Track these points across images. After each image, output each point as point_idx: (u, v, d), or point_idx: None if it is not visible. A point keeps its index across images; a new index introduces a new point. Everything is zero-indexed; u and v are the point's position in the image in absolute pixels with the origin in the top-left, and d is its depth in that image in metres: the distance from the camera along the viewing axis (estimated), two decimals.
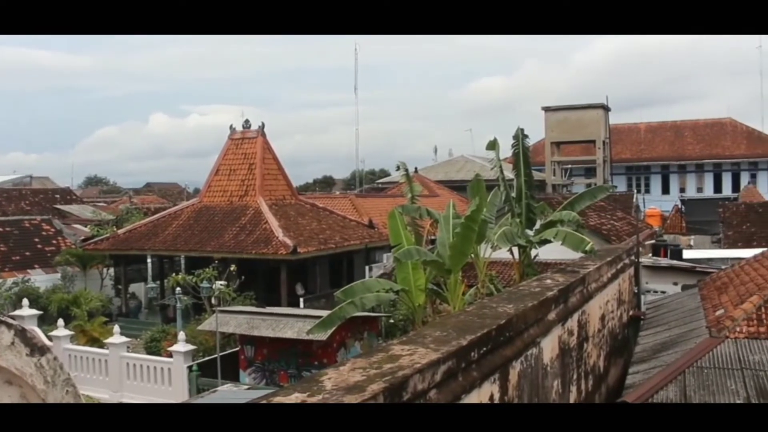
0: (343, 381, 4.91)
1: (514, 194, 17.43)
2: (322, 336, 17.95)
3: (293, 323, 20.08)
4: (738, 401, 11.07)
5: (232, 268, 30.43)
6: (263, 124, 38.74)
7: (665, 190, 76.73)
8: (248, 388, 19.17)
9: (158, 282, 39.16)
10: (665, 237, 36.14)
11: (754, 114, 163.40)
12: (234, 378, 21.61)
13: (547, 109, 64.03)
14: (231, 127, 39.33)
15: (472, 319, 7.39)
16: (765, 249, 21.13)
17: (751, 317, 13.93)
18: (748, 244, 32.54)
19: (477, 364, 6.58)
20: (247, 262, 32.74)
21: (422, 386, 5.38)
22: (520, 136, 17.32)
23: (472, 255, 16.43)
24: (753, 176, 74.11)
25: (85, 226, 46.09)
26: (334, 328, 17.17)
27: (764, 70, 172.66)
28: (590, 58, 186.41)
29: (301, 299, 31.52)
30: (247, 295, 30.33)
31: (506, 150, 21.22)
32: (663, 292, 21.91)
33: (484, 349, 6.75)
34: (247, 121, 39.20)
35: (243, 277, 30.97)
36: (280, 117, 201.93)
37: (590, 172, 66.77)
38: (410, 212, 17.82)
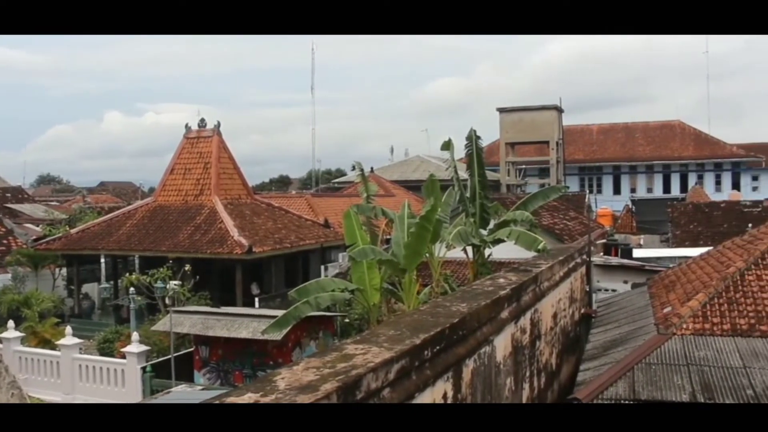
0: (297, 380, 4.88)
1: (468, 194, 17.52)
2: (277, 336, 17.85)
3: (248, 323, 19.94)
4: (684, 396, 11.28)
5: (187, 267, 30.10)
6: (219, 123, 38.45)
7: (616, 190, 78.00)
8: (203, 389, 18.98)
9: (112, 282, 38.60)
10: (616, 236, 36.71)
11: (701, 117, 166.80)
12: (189, 379, 21.39)
13: (501, 110, 64.59)
14: (186, 126, 38.94)
15: (425, 318, 7.41)
16: (710, 248, 21.59)
17: (697, 314, 14.23)
18: (694, 243, 33.22)
19: (430, 362, 6.59)
20: (202, 262, 32.43)
21: (376, 385, 5.37)
22: (473, 137, 17.41)
23: (427, 254, 16.47)
24: (700, 177, 75.74)
25: (37, 226, 45.27)
26: (289, 328, 17.09)
27: (711, 75, 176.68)
28: (545, 60, 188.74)
29: (257, 299, 31.33)
30: (201, 295, 30.05)
31: (461, 150, 21.36)
32: (614, 291, 22.24)
33: (438, 347, 6.76)
34: (202, 120, 38.84)
35: (198, 277, 30.66)
36: (237, 116, 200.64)
37: (544, 172, 67.54)
38: (365, 212, 17.81)
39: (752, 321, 14.03)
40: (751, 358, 12.70)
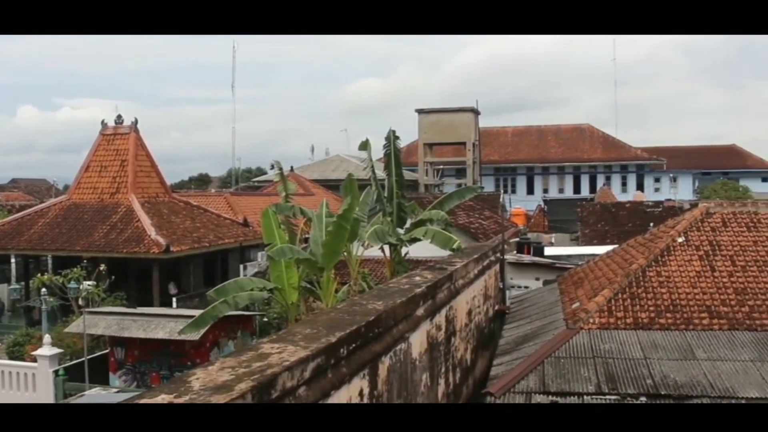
0: (212, 381, 4.83)
1: (386, 194, 17.62)
2: (195, 336, 17.57)
3: (165, 323, 19.55)
4: (590, 387, 11.63)
5: (102, 267, 29.27)
6: (136, 120, 37.47)
7: (530, 190, 79.68)
8: (118, 392, 18.53)
9: (23, 283, 37.12)
10: (529, 235, 37.49)
11: (609, 121, 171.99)
12: (104, 381, 20.81)
13: (420, 112, 65.07)
14: (102, 122, 37.82)
15: (342, 316, 7.42)
16: (616, 246, 22.28)
17: (603, 309, 14.70)
18: (602, 241, 34.21)
19: (346, 360, 6.61)
20: (118, 262, 31.63)
21: (291, 383, 5.36)
22: (391, 138, 17.53)
23: (345, 253, 16.49)
24: (608, 178, 78.11)
25: None
26: (206, 328, 16.85)
27: (618, 81, 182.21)
28: (464, 63, 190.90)
29: (174, 299, 30.73)
30: (117, 296, 29.26)
31: (381, 150, 21.45)
32: (526, 287, 22.70)
33: (354, 345, 6.78)
34: (119, 117, 37.74)
35: (113, 277, 29.86)
36: (157, 113, 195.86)
37: (461, 172, 68.37)
38: (284, 211, 17.70)
39: (652, 315, 14.59)
40: (651, 349, 13.20)
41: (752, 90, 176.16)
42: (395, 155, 17.48)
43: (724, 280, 15.55)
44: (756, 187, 74.59)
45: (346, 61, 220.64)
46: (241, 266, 34.75)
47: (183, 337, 17.62)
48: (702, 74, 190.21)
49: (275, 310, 24.23)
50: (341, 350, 6.44)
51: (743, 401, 11.27)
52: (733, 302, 14.91)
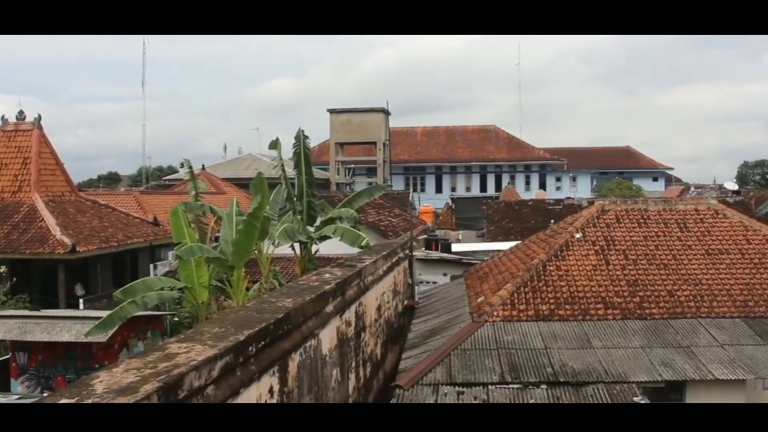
0: (116, 383, 4.70)
1: (296, 192, 17.53)
2: (102, 337, 16.98)
3: (71, 325, 18.79)
4: (494, 378, 11.90)
5: (3, 269, 28.01)
6: (39, 116, 35.81)
7: (438, 189, 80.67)
8: (19, 398, 17.74)
9: None
10: (437, 232, 37.92)
11: (514, 122, 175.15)
12: (5, 388, 19.87)
13: (331, 111, 64.91)
14: (2, 118, 36.06)
15: (251, 314, 7.36)
16: (519, 242, 22.82)
17: (506, 302, 15.06)
18: (506, 238, 34.92)
19: (255, 357, 6.56)
20: (21, 263, 30.27)
21: (199, 383, 5.28)
22: (301, 137, 17.44)
23: (256, 251, 16.33)
24: (512, 178, 79.91)
25: None
26: (114, 329, 16.34)
27: (522, 85, 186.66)
28: (376, 64, 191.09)
29: (81, 300, 29.65)
30: (20, 298, 27.96)
31: (292, 149, 21.27)
32: (434, 283, 22.99)
33: (263, 342, 6.74)
34: (21, 112, 36.04)
35: (15, 279, 28.59)
36: (64, 110, 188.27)
37: (371, 171, 68.57)
38: (194, 209, 17.37)
39: (552, 307, 15.04)
40: (551, 339, 13.61)
41: (644, 96, 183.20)
42: (305, 154, 17.40)
43: (618, 273, 16.17)
44: (648, 186, 77.70)
45: (259, 60, 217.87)
46: (151, 266, 33.84)
47: (90, 339, 17.02)
48: (599, 80, 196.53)
49: (186, 309, 23.70)
50: (250, 348, 6.39)
51: (634, 385, 11.76)
52: (625, 293, 15.52)
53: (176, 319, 23.42)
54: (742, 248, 16.87)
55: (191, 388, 5.13)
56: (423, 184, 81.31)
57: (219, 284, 16.44)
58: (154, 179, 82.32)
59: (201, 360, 5.35)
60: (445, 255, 26.23)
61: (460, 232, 42.87)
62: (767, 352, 13.12)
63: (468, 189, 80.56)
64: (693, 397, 13.04)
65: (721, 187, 70.96)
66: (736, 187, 71.75)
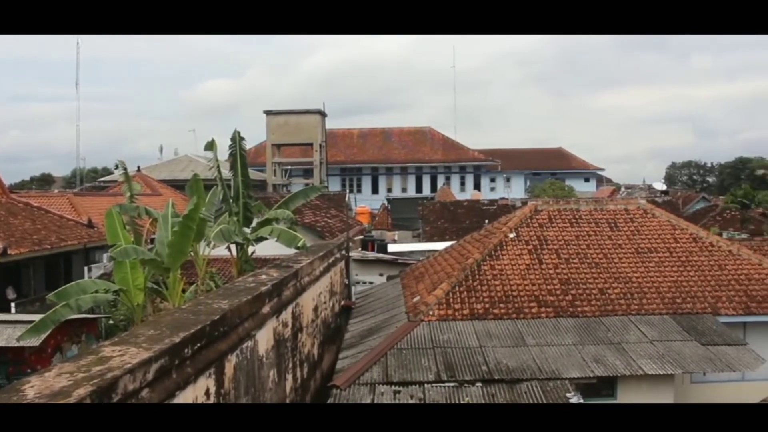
0: (48, 388, 4.59)
1: (232, 193, 17.34)
2: (35, 341, 16.50)
3: (2, 330, 18.20)
4: (430, 376, 11.99)
5: None
6: None
7: (375, 190, 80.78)
8: None
9: None
10: (373, 233, 37.99)
11: (449, 124, 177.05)
12: None
13: (268, 113, 64.39)
14: None
15: (186, 316, 7.26)
16: (454, 242, 23.06)
17: (442, 302, 15.20)
18: (442, 238, 35.18)
19: (191, 360, 6.47)
20: None
21: (134, 386, 5.19)
22: (237, 139, 17.27)
23: (192, 253, 16.08)
24: (447, 179, 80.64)
25: None
26: (47, 333, 15.89)
27: (457, 87, 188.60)
28: (313, 66, 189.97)
29: (13, 304, 28.75)
30: None
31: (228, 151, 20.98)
32: (371, 283, 23.03)
33: (199, 344, 6.65)
34: None
35: None
36: None
37: (308, 173, 68.27)
38: (128, 211, 17.03)
39: (487, 305, 15.24)
40: (486, 338, 13.79)
41: (575, 99, 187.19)
42: (241, 156, 17.22)
43: (551, 271, 16.48)
44: (579, 186, 79.33)
45: (195, 61, 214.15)
46: (86, 268, 33.03)
47: (22, 343, 16.49)
48: (533, 83, 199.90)
49: (121, 312, 23.21)
50: (185, 350, 6.30)
51: (567, 381, 11.99)
52: (558, 292, 15.84)
53: (111, 322, 22.90)
54: (670, 247, 17.39)
55: (125, 391, 5.03)
56: (359, 185, 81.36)
57: (155, 286, 16.14)
58: (89, 181, 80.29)
59: (135, 363, 5.26)
60: (381, 255, 26.29)
61: (396, 232, 43.00)
62: (694, 348, 13.55)
63: (404, 190, 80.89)
64: (624, 392, 13.38)
65: (650, 187, 73.11)
66: (664, 187, 74.02)
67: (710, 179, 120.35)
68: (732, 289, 16.20)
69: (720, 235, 26.36)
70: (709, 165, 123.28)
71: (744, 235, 34.37)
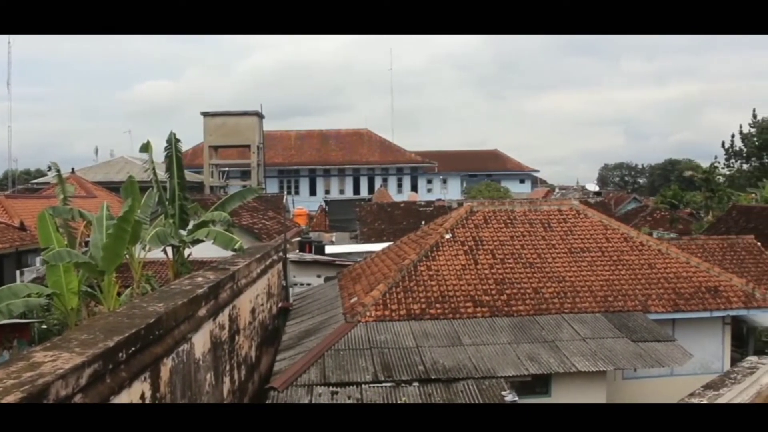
0: None
1: (168, 195, 17.08)
2: None
3: None
4: (367, 377, 12.02)
5: None
6: None
7: (312, 191, 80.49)
8: None
9: None
10: (311, 234, 37.74)
11: (386, 126, 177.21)
12: None
13: (205, 114, 63.50)
14: None
15: (121, 319, 7.13)
16: (391, 243, 23.15)
17: (378, 303, 15.25)
18: (379, 239, 35.25)
19: (126, 364, 6.37)
20: None
21: (66, 392, 5.08)
22: (173, 140, 17.02)
23: (127, 256, 15.78)
24: (385, 180, 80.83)
25: None
26: None
27: (395, 89, 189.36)
28: (252, 67, 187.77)
29: None
30: None
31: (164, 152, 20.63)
32: (308, 284, 22.95)
33: (133, 348, 6.55)
34: None
35: None
36: None
37: (246, 174, 67.54)
38: (62, 214, 16.61)
39: (423, 306, 15.35)
40: (422, 338, 13.89)
41: (511, 101, 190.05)
42: (177, 157, 16.98)
43: (486, 272, 16.70)
44: (515, 187, 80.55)
45: (134, 61, 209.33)
46: (18, 272, 32.08)
47: None
48: (470, 85, 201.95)
49: (55, 316, 22.59)
50: (120, 354, 6.20)
51: (502, 380, 12.17)
52: (493, 291, 16.06)
53: (44, 326, 22.26)
54: (602, 246, 17.80)
55: (57, 397, 4.93)
56: (297, 187, 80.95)
57: (89, 290, 15.78)
58: (21, 183, 77.78)
59: (68, 368, 5.16)
60: (318, 257, 26.24)
61: (334, 234, 42.90)
62: (625, 345, 13.91)
63: (341, 191, 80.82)
64: (558, 390, 13.65)
65: (583, 188, 74.73)
66: (597, 188, 75.79)
67: (641, 180, 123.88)
68: (661, 287, 16.69)
69: (650, 234, 27.13)
70: (640, 167, 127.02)
71: (673, 235, 35.49)
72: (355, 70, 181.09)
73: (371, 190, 77.18)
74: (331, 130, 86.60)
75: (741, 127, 67.75)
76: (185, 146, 18.09)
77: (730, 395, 9.17)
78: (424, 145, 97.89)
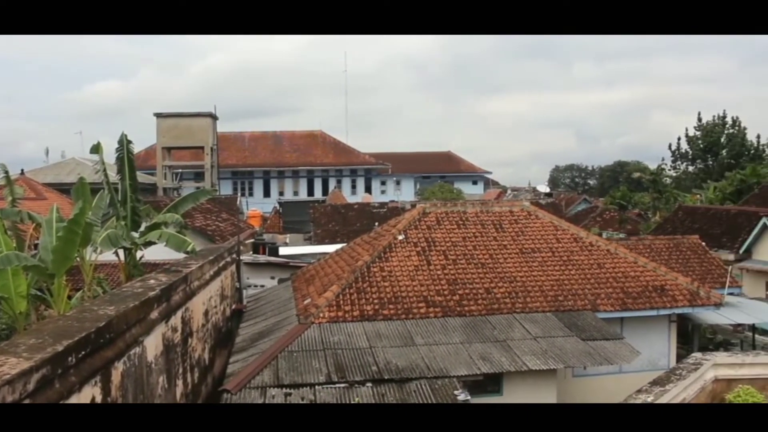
0: None
1: (119, 197, 16.80)
2: None
3: None
4: (321, 378, 12.00)
5: None
6: None
7: (266, 193, 79.97)
8: None
9: None
10: (265, 236, 37.48)
11: (341, 128, 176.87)
12: None
13: (158, 115, 62.61)
14: None
15: (71, 323, 7.01)
16: (345, 244, 23.15)
17: (332, 304, 15.24)
18: (333, 240, 35.23)
19: (76, 368, 6.26)
20: None
21: (13, 397, 4.98)
22: (124, 141, 16.73)
23: (78, 258, 15.48)
24: (339, 182, 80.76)
25: None
26: None
27: (349, 91, 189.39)
28: (206, 69, 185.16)
29: None
30: None
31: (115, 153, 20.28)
32: (262, 286, 22.83)
33: (83, 352, 6.44)
34: None
35: None
36: None
37: (200, 176, 66.80)
38: (10, 216, 16.24)
39: (376, 306, 15.39)
40: (376, 338, 13.92)
41: (465, 103, 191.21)
42: (128, 159, 16.70)
43: (438, 272, 16.80)
44: (468, 189, 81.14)
45: (84, 61, 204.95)
46: None
47: None
48: (424, 88, 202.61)
49: (2, 321, 22.07)
50: (69, 359, 6.09)
51: (455, 379, 12.26)
52: (446, 292, 16.16)
53: None
54: (553, 247, 18.05)
55: (4, 403, 4.81)
56: (251, 189, 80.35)
57: (39, 293, 15.44)
58: None
59: (15, 374, 5.05)
60: (272, 258, 26.12)
61: (288, 235, 42.67)
62: (575, 343, 14.14)
63: (296, 193, 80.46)
64: (509, 388, 13.81)
65: (534, 189, 75.67)
66: (548, 190, 76.83)
67: (591, 182, 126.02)
68: (610, 287, 17.00)
69: (600, 235, 27.64)
70: (590, 168, 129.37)
71: (622, 235, 36.22)
72: (309, 72, 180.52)
73: (325, 191, 77.03)
74: (286, 132, 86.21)
75: (687, 130, 69.72)
76: (138, 147, 17.83)
77: (676, 391, 9.43)
78: (379, 147, 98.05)
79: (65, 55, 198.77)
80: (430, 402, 11.35)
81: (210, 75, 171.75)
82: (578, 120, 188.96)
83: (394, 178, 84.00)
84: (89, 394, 6.59)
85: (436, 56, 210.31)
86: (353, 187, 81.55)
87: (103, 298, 8.99)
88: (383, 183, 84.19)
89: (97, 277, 17.37)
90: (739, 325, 21.95)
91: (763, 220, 30.20)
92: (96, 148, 16.73)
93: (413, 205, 28.18)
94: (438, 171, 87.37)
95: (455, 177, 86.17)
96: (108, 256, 16.84)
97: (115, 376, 7.42)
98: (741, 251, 30.99)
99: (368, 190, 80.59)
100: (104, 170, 16.42)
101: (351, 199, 63.67)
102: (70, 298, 15.65)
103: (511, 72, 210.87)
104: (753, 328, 22.24)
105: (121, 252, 16.40)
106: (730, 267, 25.70)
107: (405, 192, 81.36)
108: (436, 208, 19.37)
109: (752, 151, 64.50)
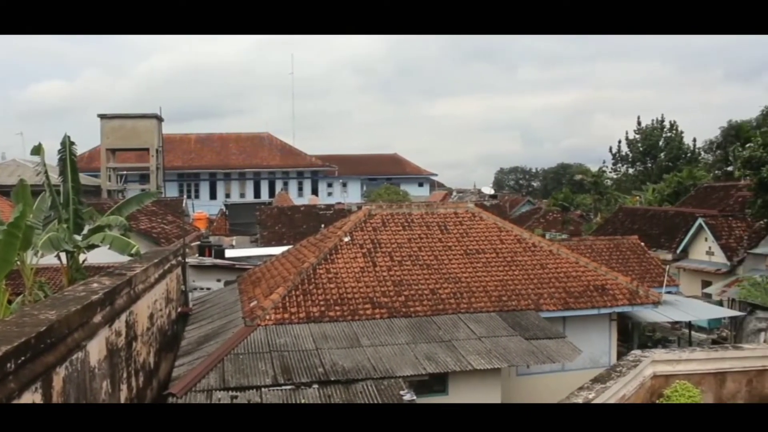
0: None
1: (61, 200, 16.42)
2: None
3: None
4: (267, 380, 11.93)
5: None
6: None
7: (213, 195, 79.07)
8: None
9: None
10: (211, 238, 37.04)
11: (287, 130, 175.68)
12: None
13: (102, 117, 61.30)
14: None
15: (10, 328, 6.82)
16: (291, 246, 23.04)
17: (278, 306, 15.15)
18: (279, 242, 35.05)
19: (15, 374, 6.10)
20: None
21: None
22: (67, 143, 16.37)
23: (18, 262, 15.08)
24: (285, 184, 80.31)
25: None
26: None
27: (296, 94, 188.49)
28: (150, 69, 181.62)
29: None
30: None
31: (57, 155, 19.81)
32: (208, 289, 22.58)
33: (22, 358, 6.28)
34: None
35: None
36: None
37: (145, 178, 65.72)
38: None
39: (323, 308, 15.36)
40: (322, 340, 13.89)
41: (411, 105, 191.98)
42: (71, 160, 16.34)
43: (384, 274, 16.85)
44: (413, 191, 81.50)
45: (25, 60, 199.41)
46: None
47: None
48: (371, 90, 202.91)
49: None
50: (8, 365, 5.94)
51: (401, 379, 12.31)
52: (391, 293, 16.22)
53: None
54: (497, 248, 18.27)
55: None
56: (197, 191, 79.35)
57: None
58: None
59: None
60: (218, 261, 25.85)
61: (234, 237, 42.30)
62: (519, 342, 14.32)
63: (242, 195, 79.74)
64: (455, 388, 13.91)
65: (480, 191, 76.43)
66: (492, 192, 77.73)
67: (535, 184, 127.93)
68: (552, 287, 17.29)
69: (543, 236, 28.08)
70: (534, 170, 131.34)
71: (565, 236, 36.87)
72: (256, 74, 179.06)
73: (272, 193, 76.56)
74: (232, 134, 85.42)
75: (627, 133, 71.47)
76: (82, 149, 17.46)
77: (616, 387, 9.63)
78: (326, 149, 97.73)
79: (4, 53, 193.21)
80: (376, 402, 11.37)
81: (156, 76, 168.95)
82: (523, 123, 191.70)
83: (341, 180, 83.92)
84: (29, 400, 6.43)
85: (383, 59, 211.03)
86: (300, 189, 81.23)
87: (44, 303, 8.77)
88: (330, 185, 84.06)
89: (38, 281, 16.92)
90: (677, 322, 22.55)
91: (699, 220, 31.12)
92: (37, 150, 16.32)
93: (359, 207, 28.21)
94: (384, 173, 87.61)
95: (401, 179, 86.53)
96: (50, 259, 16.44)
97: (57, 381, 7.25)
98: (678, 251, 31.89)
99: (315, 192, 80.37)
100: (46, 172, 16.02)
101: (297, 201, 63.42)
102: (10, 302, 15.22)
103: (458, 75, 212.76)
104: (689, 326, 22.87)
105: (63, 255, 16.03)
106: (668, 266, 26.42)
107: (351, 194, 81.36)
108: (382, 209, 19.42)
109: (689, 155, 66.47)
